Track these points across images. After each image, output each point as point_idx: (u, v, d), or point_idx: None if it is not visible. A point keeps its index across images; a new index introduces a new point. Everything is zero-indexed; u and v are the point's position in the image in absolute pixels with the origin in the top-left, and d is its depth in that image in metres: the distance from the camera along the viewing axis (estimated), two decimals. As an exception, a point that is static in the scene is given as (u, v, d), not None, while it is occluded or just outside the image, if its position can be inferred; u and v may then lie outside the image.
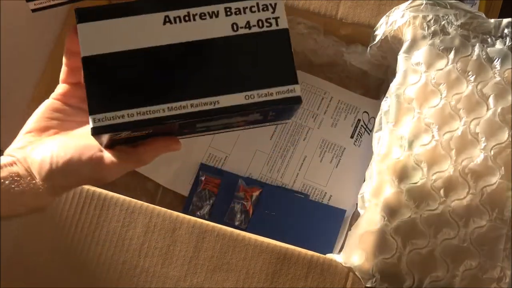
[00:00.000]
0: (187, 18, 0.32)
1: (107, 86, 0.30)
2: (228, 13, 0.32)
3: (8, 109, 0.50)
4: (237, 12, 0.32)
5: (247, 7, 0.32)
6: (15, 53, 0.51)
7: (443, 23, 0.48)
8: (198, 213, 0.54)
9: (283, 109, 0.34)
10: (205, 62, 0.32)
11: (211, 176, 0.54)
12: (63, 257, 0.44)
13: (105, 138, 0.31)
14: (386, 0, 0.52)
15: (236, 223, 0.53)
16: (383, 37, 0.50)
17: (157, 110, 0.31)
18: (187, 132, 0.37)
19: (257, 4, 0.33)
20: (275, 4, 0.33)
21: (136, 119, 0.30)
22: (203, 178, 0.54)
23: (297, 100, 0.32)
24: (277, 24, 0.32)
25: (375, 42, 0.51)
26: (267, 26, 0.32)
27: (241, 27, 0.32)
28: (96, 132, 0.30)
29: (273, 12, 0.33)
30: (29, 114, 0.36)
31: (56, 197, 0.33)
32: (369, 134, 0.56)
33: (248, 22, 0.32)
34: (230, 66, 0.32)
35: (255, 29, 0.32)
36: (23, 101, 0.52)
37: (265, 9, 0.33)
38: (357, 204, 0.51)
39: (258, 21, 0.32)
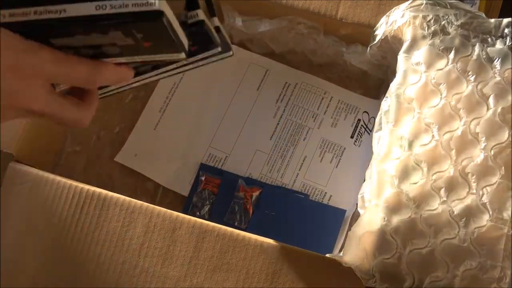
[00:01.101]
0: None
1: None
2: None
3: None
4: None
5: None
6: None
7: (443, 23, 0.48)
8: (198, 213, 0.54)
9: (158, 34, 0.30)
10: None
11: (211, 176, 0.54)
12: (62, 257, 0.44)
13: None
14: (386, 0, 0.52)
15: (236, 223, 0.53)
16: (383, 37, 0.50)
17: None
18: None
19: None
20: None
21: None
22: (203, 178, 0.54)
23: (155, 14, 0.28)
24: None
25: (375, 42, 0.51)
26: None
27: None
28: None
29: None
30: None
31: None
32: (369, 134, 0.56)
33: None
34: None
35: None
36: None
37: None
38: (357, 204, 0.51)
39: None
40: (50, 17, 0.28)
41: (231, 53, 0.41)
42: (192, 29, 0.33)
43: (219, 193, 0.54)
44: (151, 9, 0.28)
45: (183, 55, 0.33)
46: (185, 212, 0.54)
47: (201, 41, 0.34)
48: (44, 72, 0.28)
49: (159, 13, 0.29)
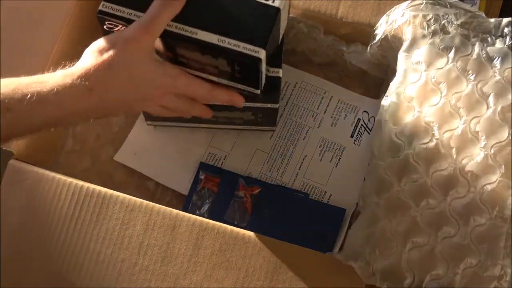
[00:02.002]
0: None
1: None
2: None
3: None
4: None
5: None
6: (15, 54, 0.51)
7: (443, 22, 0.48)
8: (197, 212, 0.53)
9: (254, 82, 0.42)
10: (210, 4, 0.41)
11: (211, 175, 0.54)
12: (62, 255, 0.44)
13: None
14: (386, -1, 0.52)
15: (236, 222, 0.53)
16: (383, 36, 0.50)
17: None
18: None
19: None
20: None
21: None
22: (202, 177, 0.54)
23: (256, 60, 0.39)
24: (273, 1, 0.41)
25: (375, 41, 0.51)
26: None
27: None
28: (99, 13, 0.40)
29: None
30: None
31: None
32: (369, 133, 0.56)
33: None
34: (224, 13, 0.40)
35: None
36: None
37: None
38: (357, 203, 0.51)
39: None
40: (184, 34, 0.40)
41: (274, 128, 0.56)
42: (269, 80, 0.46)
43: (219, 192, 0.54)
44: (255, 55, 0.39)
45: (258, 91, 0.44)
46: (185, 211, 0.53)
47: (269, 91, 0.46)
48: (179, 87, 0.42)
49: (259, 60, 0.40)
